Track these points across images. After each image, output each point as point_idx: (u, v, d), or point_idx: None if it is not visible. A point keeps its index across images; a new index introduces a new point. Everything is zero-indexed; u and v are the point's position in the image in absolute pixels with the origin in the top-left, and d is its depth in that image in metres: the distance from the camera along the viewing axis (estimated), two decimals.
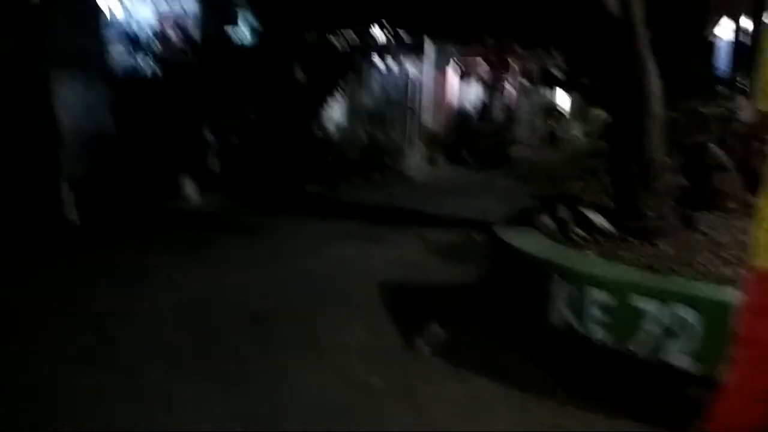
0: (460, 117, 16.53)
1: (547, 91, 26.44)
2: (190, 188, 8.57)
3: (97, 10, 8.11)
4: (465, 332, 4.24)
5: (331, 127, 10.38)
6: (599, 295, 3.59)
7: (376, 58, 12.65)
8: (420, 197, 10.03)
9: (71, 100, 7.55)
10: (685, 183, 5.88)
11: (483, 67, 18.14)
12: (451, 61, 16.57)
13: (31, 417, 3.14)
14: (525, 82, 22.50)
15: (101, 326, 4.15)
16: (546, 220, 5.32)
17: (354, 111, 11.77)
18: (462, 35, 14.37)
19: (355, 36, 10.38)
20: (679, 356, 3.31)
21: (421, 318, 4.36)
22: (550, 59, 21.05)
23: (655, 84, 5.11)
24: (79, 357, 3.78)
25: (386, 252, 6.43)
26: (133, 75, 8.92)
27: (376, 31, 11.83)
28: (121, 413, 3.18)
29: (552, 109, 26.68)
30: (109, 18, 8.97)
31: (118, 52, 9.06)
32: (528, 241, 4.48)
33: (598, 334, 3.59)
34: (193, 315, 4.53)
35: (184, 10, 10.18)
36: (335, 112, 10.80)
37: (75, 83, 7.62)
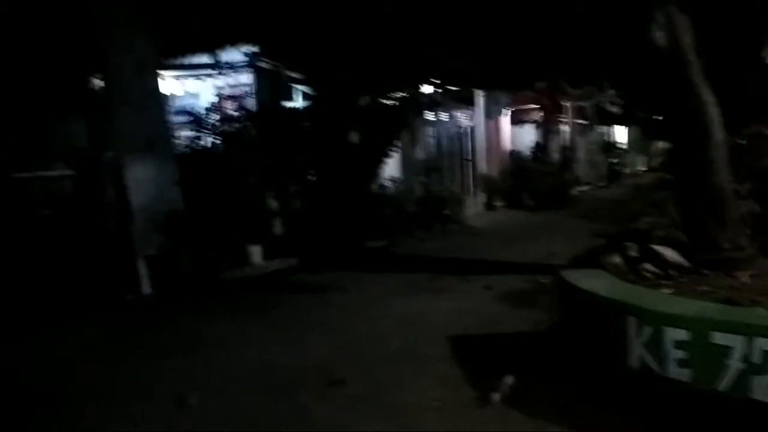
0: (516, 161, 16.48)
1: (603, 128, 26.12)
2: (256, 254, 8.78)
3: (160, 92, 8.58)
4: (538, 381, 4.13)
5: (388, 183, 10.53)
6: (678, 334, 3.44)
7: (428, 113, 12.86)
8: (482, 244, 9.96)
9: (141, 180, 7.95)
10: (758, 209, 5.64)
11: (536, 110, 18.13)
12: (503, 107, 16.66)
13: None
14: (580, 120, 22.31)
15: (181, 396, 4.24)
16: (615, 259, 5.18)
17: (409, 165, 11.92)
18: (511, 82, 14.47)
19: (406, 94, 10.62)
20: (767, 393, 3.11)
21: (492, 369, 4.28)
22: (604, 96, 20.86)
23: (713, 111, 5.00)
24: (160, 426, 3.86)
25: (452, 303, 6.38)
26: (197, 151, 9.32)
27: (427, 88, 12.07)
28: None
29: (610, 146, 26.30)
30: (170, 99, 9.48)
31: (182, 130, 9.53)
32: (598, 283, 4.36)
33: (680, 375, 3.42)
34: (266, 378, 4.58)
35: (241, 86, 10.67)
36: (391, 167, 10.96)
37: (144, 164, 8.02)
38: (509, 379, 4.07)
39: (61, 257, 8.72)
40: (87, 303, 7.20)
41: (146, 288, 7.58)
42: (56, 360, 5.33)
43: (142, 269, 7.65)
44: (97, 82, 9.58)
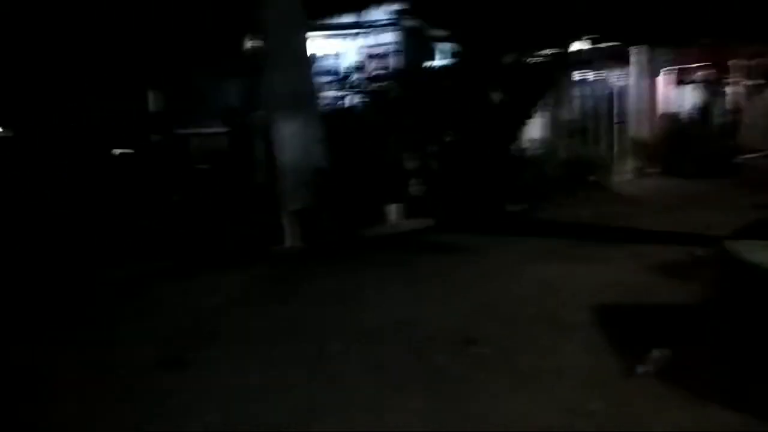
0: (675, 125, 15.21)
1: None
2: (394, 213, 8.88)
3: (307, 52, 8.81)
4: (694, 356, 3.81)
5: (531, 144, 10.14)
6: None
7: (577, 71, 12.18)
8: (630, 212, 9.34)
9: (289, 138, 8.26)
10: None
11: (699, 70, 16.57)
12: (662, 65, 15.39)
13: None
14: (751, 81, 20.14)
15: (321, 343, 4.40)
16: None
17: (554, 126, 11.41)
18: (674, 39, 13.28)
19: (555, 51, 10.09)
20: None
21: (641, 341, 4.01)
22: None
23: None
24: (300, 368, 4.04)
25: (596, 271, 6.04)
26: (341, 110, 9.53)
27: (578, 44, 11.40)
28: (332, 423, 3.31)
29: None
30: (316, 58, 9.71)
31: (327, 89, 9.76)
32: (765, 256, 3.93)
33: None
34: (401, 333, 4.63)
35: (385, 46, 10.70)
36: (534, 129, 10.55)
37: (291, 122, 8.32)
38: (659, 353, 3.79)
39: (214, 208, 9.39)
40: (236, 252, 7.70)
41: (290, 241, 7.94)
42: (208, 303, 5.73)
43: (287, 223, 8.00)
44: (251, 44, 10.04)
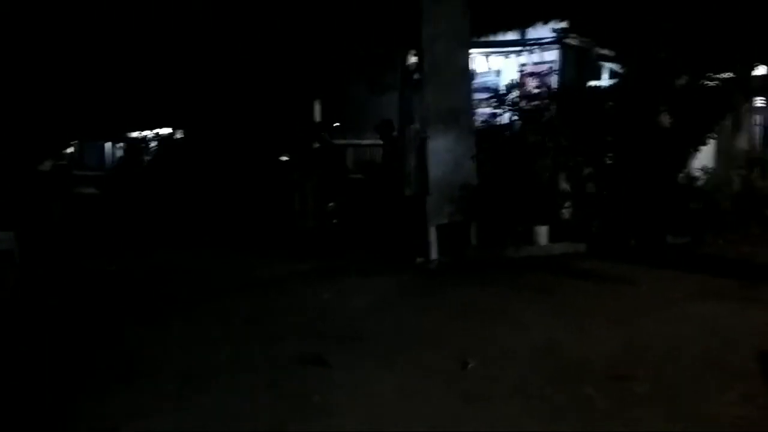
0: None
1: None
2: (542, 235, 8.61)
3: (467, 69, 8.83)
4: None
5: (700, 173, 9.38)
6: None
7: (759, 98, 11.14)
8: None
9: (441, 152, 8.33)
10: None
11: None
12: None
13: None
14: None
15: (463, 358, 4.37)
16: None
17: (728, 155, 10.47)
18: None
19: (734, 74, 9.28)
20: None
21: None
22: None
23: None
24: (438, 381, 4.03)
25: (766, 315, 5.45)
26: (496, 127, 9.43)
27: (762, 69, 10.42)
28: None
29: None
30: (474, 74, 9.70)
31: (483, 106, 9.72)
32: None
33: None
34: (545, 358, 4.48)
35: (545, 64, 10.48)
36: (705, 157, 9.75)
37: (445, 137, 8.38)
38: None
39: (365, 217, 9.71)
40: (382, 259, 7.90)
41: (434, 254, 7.98)
42: (350, 307, 5.93)
43: (433, 236, 8.05)
44: (411, 59, 10.28)
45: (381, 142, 10.89)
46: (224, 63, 12.16)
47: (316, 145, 11.49)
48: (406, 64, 10.81)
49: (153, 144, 18.99)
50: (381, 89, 11.93)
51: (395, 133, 10.57)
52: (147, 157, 17.56)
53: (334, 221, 10.32)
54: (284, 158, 11.46)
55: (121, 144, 21.27)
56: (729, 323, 5.29)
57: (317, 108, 12.50)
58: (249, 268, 7.72)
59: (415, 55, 9.54)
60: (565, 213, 9.12)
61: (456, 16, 8.45)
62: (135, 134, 20.23)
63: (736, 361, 4.34)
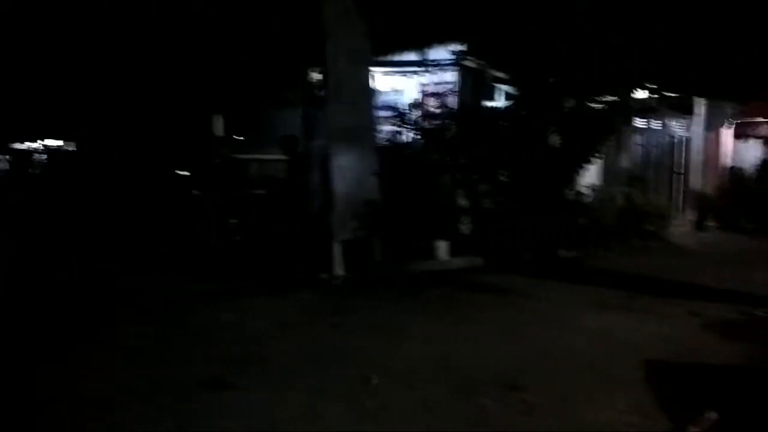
0: (735, 178, 14.81)
1: None
2: (442, 250, 8.86)
3: (368, 87, 8.99)
4: (747, 422, 3.66)
5: (587, 190, 10.00)
6: None
7: (638, 119, 12.03)
8: (688, 266, 9.08)
9: (344, 169, 8.41)
10: None
11: (765, 125, 16.13)
12: (726, 118, 15.06)
13: None
14: None
15: (366, 375, 4.41)
16: None
17: (612, 174, 11.25)
18: (739, 91, 13.01)
19: (616, 98, 10.01)
20: None
21: (692, 401, 3.88)
22: None
23: None
24: (341, 400, 4.05)
25: (650, 325, 5.89)
26: (397, 145, 9.64)
27: (641, 93, 11.28)
28: None
29: None
30: (377, 93, 9.88)
31: (384, 124, 9.91)
32: None
33: None
34: (445, 371, 4.60)
35: (444, 84, 10.82)
36: (591, 175, 10.42)
37: (348, 154, 8.48)
38: (711, 415, 3.65)
39: (268, 233, 9.59)
40: (286, 277, 7.82)
41: (338, 270, 8.02)
42: (252, 327, 5.83)
43: (337, 252, 8.09)
44: (314, 75, 10.31)
45: (285, 157, 10.83)
46: (120, 74, 11.68)
47: (218, 160, 11.26)
48: (310, 80, 10.84)
49: (41, 156, 17.90)
50: (285, 105, 11.88)
51: (299, 149, 10.56)
52: (34, 170, 16.52)
53: (237, 238, 10.12)
54: (183, 173, 11.12)
55: (6, 156, 19.89)
56: (616, 333, 5.67)
57: (218, 122, 12.24)
58: (147, 289, 7.40)
59: (319, 72, 9.58)
60: (464, 228, 9.44)
61: (358, 35, 8.61)
62: (21, 146, 18.99)
63: (623, 370, 4.63)
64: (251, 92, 12.53)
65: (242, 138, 12.57)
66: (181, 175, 10.97)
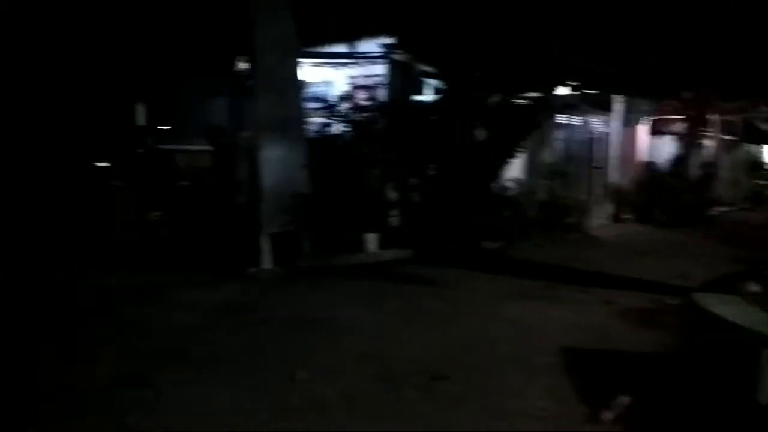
0: (651, 173, 15.56)
1: (752, 147, 24.09)
2: (372, 242, 8.92)
3: (297, 78, 8.90)
4: (657, 405, 3.88)
5: (510, 184, 10.29)
6: None
7: (560, 115, 12.44)
8: (605, 257, 9.50)
9: (273, 161, 8.31)
10: None
11: (679, 122, 17.02)
12: (643, 115, 15.79)
13: None
14: (727, 136, 20.71)
15: (291, 370, 4.40)
16: (753, 287, 4.81)
17: (535, 168, 11.61)
18: (655, 90, 13.67)
19: (539, 94, 10.32)
20: None
21: (606, 386, 4.08)
22: (757, 112, 19.26)
23: None
24: (265, 395, 4.03)
25: (568, 314, 6.14)
26: (327, 137, 9.61)
27: (562, 89, 11.67)
28: None
29: (759, 166, 24.18)
30: (305, 85, 9.81)
31: (313, 116, 9.85)
32: (732, 310, 4.05)
33: None
34: (371, 364, 4.65)
35: (374, 77, 10.85)
36: (515, 169, 10.72)
37: (277, 145, 8.38)
38: (624, 399, 3.86)
39: (194, 226, 9.37)
40: (213, 270, 7.69)
41: (267, 263, 7.94)
42: (177, 323, 5.70)
43: (265, 245, 8.01)
44: (242, 65, 10.13)
45: (211, 148, 10.61)
46: (30, 59, 11.08)
47: (140, 150, 10.90)
48: (238, 70, 10.64)
49: None
50: (213, 94, 11.62)
51: (226, 140, 10.37)
52: None
53: (161, 231, 9.84)
54: (103, 164, 10.68)
55: None
56: (535, 322, 5.88)
57: (141, 111, 11.84)
58: (65, 285, 7.09)
59: (246, 61, 9.42)
60: (394, 221, 9.54)
61: (286, 25, 8.50)
62: None
63: (542, 358, 4.81)
64: (177, 81, 12.17)
65: (168, 128, 12.20)
66: (100, 166, 10.53)
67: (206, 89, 11.66)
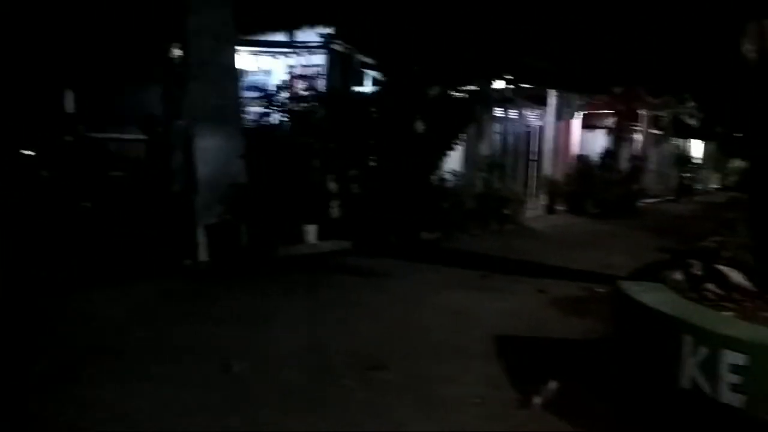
0: (582, 166, 16.09)
1: (678, 141, 25.20)
2: (312, 234, 8.89)
3: (234, 66, 8.75)
4: (583, 391, 4.03)
5: (448, 176, 10.45)
6: (736, 358, 3.30)
7: (497, 109, 12.69)
8: (538, 247, 9.78)
9: (209, 150, 8.15)
10: None
11: (609, 116, 17.63)
12: (575, 109, 16.27)
13: None
14: (655, 131, 21.59)
15: (224, 363, 4.35)
16: (677, 275, 5.02)
17: (472, 160, 11.82)
18: (587, 85, 14.11)
19: (477, 88, 10.50)
20: None
21: (537, 372, 4.21)
22: (683, 107, 20.15)
23: None
24: (199, 389, 3.97)
25: (502, 302, 6.30)
26: (264, 127, 9.49)
27: (499, 83, 11.91)
28: None
29: (684, 159, 25.36)
30: (243, 73, 9.66)
31: (251, 105, 9.71)
32: (656, 298, 4.22)
33: (733, 399, 3.28)
34: (310, 354, 4.65)
35: (313, 67, 10.78)
36: (454, 161, 10.88)
37: (213, 135, 8.21)
38: (553, 385, 3.99)
39: (127, 218, 9.08)
40: (147, 264, 7.47)
41: (203, 255, 7.80)
42: (110, 318, 5.53)
43: (201, 237, 7.87)
44: (176, 52, 9.86)
45: (145, 137, 10.30)
46: None
47: (70, 138, 10.47)
48: (172, 57, 10.35)
49: None
50: (147, 82, 11.27)
51: (160, 129, 10.08)
52: None
53: (92, 223, 9.50)
54: (28, 153, 10.21)
55: None
56: (470, 311, 6.00)
57: (70, 98, 11.36)
58: None
59: (180, 48, 9.18)
60: (334, 212, 9.52)
61: (222, 11, 8.33)
62: None
63: (476, 346, 4.93)
64: (108, 67, 11.74)
65: (100, 116, 11.77)
66: (25, 155, 10.06)
67: (141, 76, 11.29)
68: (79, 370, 4.15)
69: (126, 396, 3.84)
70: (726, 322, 3.83)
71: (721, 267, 4.89)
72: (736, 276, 4.73)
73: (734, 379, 3.29)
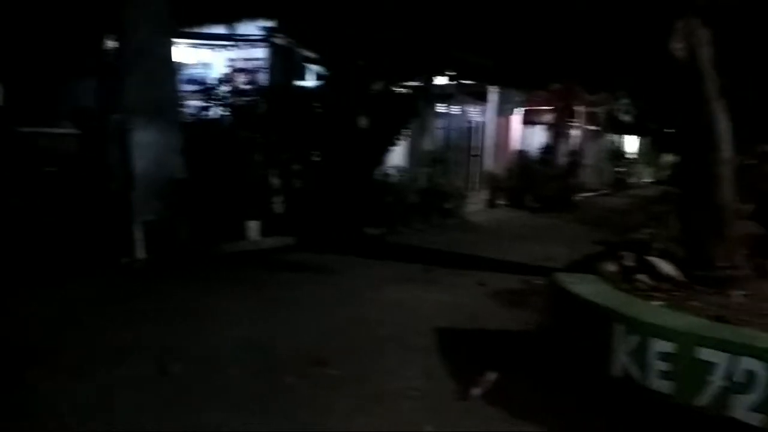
0: (522, 161, 16.45)
1: (614, 136, 26.03)
2: (254, 230, 8.78)
3: (173, 59, 8.54)
4: (520, 380, 4.14)
5: (392, 171, 10.51)
6: (664, 346, 3.45)
7: (439, 105, 12.82)
8: (480, 241, 9.95)
9: (146, 145, 7.94)
10: (759, 230, 5.64)
11: (547, 112, 18.06)
12: (515, 106, 16.60)
13: None
14: (591, 126, 22.23)
15: (162, 363, 4.25)
16: (610, 266, 5.20)
17: (415, 155, 11.91)
18: (526, 81, 14.40)
19: (419, 83, 10.59)
20: (747, 412, 3.12)
21: (475, 364, 4.29)
22: (617, 104, 20.82)
23: (723, 127, 4.99)
24: (133, 390, 3.87)
25: (443, 296, 6.39)
26: (204, 121, 9.30)
27: (441, 79, 12.03)
28: None
29: (619, 154, 26.25)
30: (182, 66, 9.44)
31: (191, 99, 9.50)
32: (589, 288, 4.37)
33: (662, 386, 3.43)
34: (250, 353, 4.59)
35: (254, 61, 10.63)
36: (397, 156, 10.94)
37: (150, 129, 8.01)
38: (491, 376, 4.08)
39: (61, 215, 8.75)
40: (81, 262, 7.22)
41: (141, 253, 7.59)
42: (45, 318, 5.32)
43: (139, 234, 7.65)
44: (111, 43, 9.56)
45: (78, 131, 9.94)
46: None
47: None
48: (107, 48, 10.02)
49: None
50: (81, 74, 10.87)
51: (94, 123, 9.74)
52: None
53: (22, 220, 9.11)
54: None
55: None
56: (412, 304, 6.07)
57: None
58: None
59: (117, 39, 8.90)
60: (277, 208, 9.43)
61: (160, 1, 8.12)
62: None
63: (417, 339, 4.98)
64: (41, 59, 11.27)
65: (32, 110, 11.28)
66: None
67: (75, 68, 10.89)
68: (10, 372, 3.97)
69: (59, 398, 3.71)
70: (655, 311, 4.00)
71: (652, 258, 5.10)
72: (666, 267, 4.94)
73: (663, 366, 3.44)
